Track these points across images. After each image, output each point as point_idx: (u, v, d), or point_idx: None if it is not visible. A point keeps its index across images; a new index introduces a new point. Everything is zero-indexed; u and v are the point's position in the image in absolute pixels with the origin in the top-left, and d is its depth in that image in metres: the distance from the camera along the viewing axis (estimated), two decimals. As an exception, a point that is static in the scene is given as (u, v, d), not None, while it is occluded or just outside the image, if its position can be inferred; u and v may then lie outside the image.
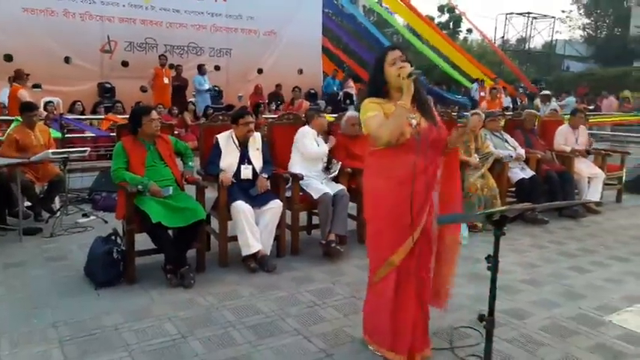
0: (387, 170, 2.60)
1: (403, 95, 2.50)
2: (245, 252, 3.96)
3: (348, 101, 12.79)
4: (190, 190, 4.10)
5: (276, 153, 4.60)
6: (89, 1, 10.57)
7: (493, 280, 2.20)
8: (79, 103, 9.36)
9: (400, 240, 2.58)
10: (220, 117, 4.58)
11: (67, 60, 10.40)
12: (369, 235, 2.77)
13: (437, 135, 2.62)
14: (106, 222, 5.16)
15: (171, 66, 10.91)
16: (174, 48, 11.67)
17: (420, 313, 2.67)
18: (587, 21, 33.30)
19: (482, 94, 13.60)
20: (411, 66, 2.55)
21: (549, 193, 5.71)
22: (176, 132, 6.86)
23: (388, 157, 2.59)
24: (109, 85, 10.71)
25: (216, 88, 11.81)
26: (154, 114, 3.93)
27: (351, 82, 13.92)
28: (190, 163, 4.19)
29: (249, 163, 4.23)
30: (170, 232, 3.78)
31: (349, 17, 17.73)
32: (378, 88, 2.67)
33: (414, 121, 2.57)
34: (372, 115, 2.57)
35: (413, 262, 2.61)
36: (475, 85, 14.68)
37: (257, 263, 3.98)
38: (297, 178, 4.30)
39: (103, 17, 10.76)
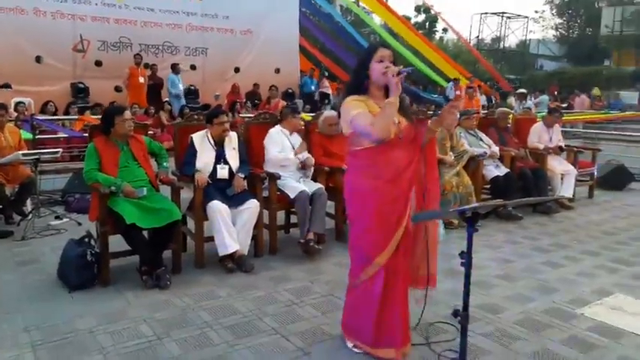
0: (373, 170, 2.60)
1: (391, 93, 2.50)
2: (222, 252, 3.93)
3: (326, 101, 12.81)
4: (165, 190, 4.06)
5: (253, 152, 4.57)
6: (60, 0, 10.36)
7: (467, 276, 2.23)
8: (51, 103, 9.19)
9: (387, 239, 2.60)
10: (196, 117, 4.54)
11: (38, 59, 10.20)
12: (354, 236, 2.73)
13: (415, 133, 2.64)
14: (79, 224, 5.08)
15: (147, 65, 10.79)
16: (149, 47, 11.55)
17: (405, 308, 2.71)
18: (559, 21, 34.00)
19: (457, 92, 13.75)
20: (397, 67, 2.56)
21: (523, 189, 5.80)
22: (151, 132, 6.80)
23: (373, 157, 2.60)
24: (82, 85, 10.53)
25: (192, 87, 11.71)
26: (127, 114, 3.87)
27: (326, 82, 13.94)
28: (165, 164, 4.13)
29: (226, 162, 4.19)
30: (145, 233, 3.73)
31: (326, 16, 17.76)
32: (360, 83, 2.65)
33: (396, 119, 2.59)
34: (360, 112, 2.54)
35: (399, 260, 2.64)
36: (450, 84, 14.85)
37: (234, 263, 3.96)
38: (274, 177, 4.29)
39: (75, 16, 10.58)
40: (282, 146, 4.52)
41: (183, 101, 10.88)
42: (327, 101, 12.56)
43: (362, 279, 2.69)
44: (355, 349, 2.78)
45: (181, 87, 11.05)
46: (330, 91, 13.25)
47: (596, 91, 16.79)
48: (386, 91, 2.62)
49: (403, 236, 2.63)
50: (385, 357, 2.67)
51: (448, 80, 15.92)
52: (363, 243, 2.68)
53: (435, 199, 2.79)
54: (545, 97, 15.84)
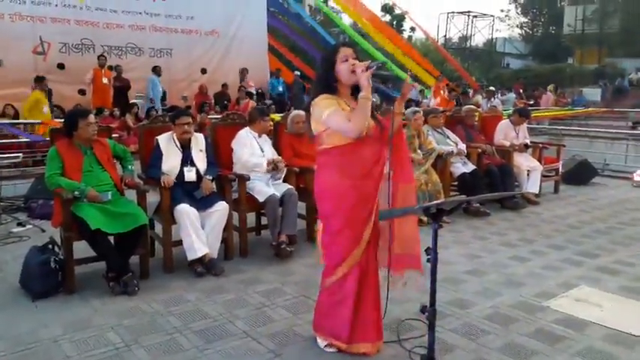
0: (344, 168, 2.62)
1: (363, 88, 2.50)
2: (191, 256, 3.88)
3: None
4: (131, 194, 3.98)
5: (221, 154, 4.52)
6: (19, 2, 10.11)
7: (433, 272, 2.25)
8: (9, 106, 8.91)
9: (359, 236, 2.63)
10: (161, 118, 4.47)
11: (-3, 62, 9.91)
12: (327, 234, 2.72)
13: (381, 129, 2.67)
14: (43, 231, 4.94)
15: (111, 67, 10.59)
16: (112, 49, 11.34)
17: (378, 304, 2.74)
18: (524, 20, 34.74)
19: (442, 92, 13.89)
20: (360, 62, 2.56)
21: (490, 186, 5.89)
22: (117, 135, 6.67)
23: (344, 154, 2.61)
24: (45, 88, 10.25)
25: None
26: (92, 118, 3.76)
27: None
28: (130, 167, 4.05)
29: (193, 164, 4.14)
30: (111, 238, 3.65)
31: (295, 16, 17.74)
32: (329, 84, 2.65)
33: None
34: (334, 110, 2.54)
35: (370, 256, 2.68)
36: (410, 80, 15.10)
37: (204, 267, 3.90)
38: (243, 179, 4.25)
39: (35, 18, 10.33)
40: (251, 149, 4.47)
41: (158, 104, 10.77)
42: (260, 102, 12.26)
43: (336, 277, 2.69)
44: (327, 349, 2.78)
45: (160, 89, 11.05)
46: (254, 91, 12.93)
47: (551, 87, 17.29)
48: (353, 90, 2.64)
49: (372, 232, 2.67)
50: (360, 352, 2.71)
51: (417, 80, 16.10)
52: (336, 242, 2.68)
53: (411, 197, 2.78)
54: (511, 95, 16.15)
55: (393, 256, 2.72)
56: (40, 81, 9.11)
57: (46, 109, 8.65)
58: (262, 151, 4.52)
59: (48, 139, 5.01)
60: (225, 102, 11.78)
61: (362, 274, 2.67)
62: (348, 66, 2.55)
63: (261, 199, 4.28)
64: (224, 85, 12.44)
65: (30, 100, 8.63)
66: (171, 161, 4.07)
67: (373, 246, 2.72)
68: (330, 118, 2.54)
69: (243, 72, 12.10)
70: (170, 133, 4.16)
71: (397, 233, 2.73)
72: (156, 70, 11.14)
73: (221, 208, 4.03)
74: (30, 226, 5.14)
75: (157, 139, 4.11)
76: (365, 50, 16.62)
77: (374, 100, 2.77)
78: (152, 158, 4.09)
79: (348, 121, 2.50)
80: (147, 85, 11.05)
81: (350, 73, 2.55)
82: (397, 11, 26.60)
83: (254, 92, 12.06)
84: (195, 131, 4.37)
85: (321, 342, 2.82)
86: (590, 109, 15.59)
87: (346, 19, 20.67)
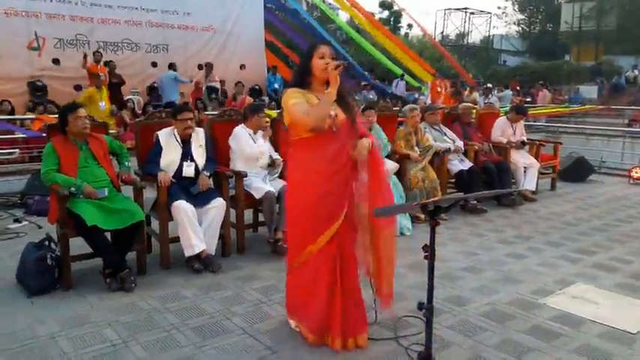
0: (307, 162, 2.72)
1: (330, 85, 2.61)
2: (188, 253, 3.87)
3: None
4: (128, 190, 3.96)
5: (218, 150, 4.50)
6: (13, -3, 10.06)
7: (430, 269, 2.25)
8: (7, 102, 8.87)
9: (317, 232, 2.70)
10: (157, 114, 4.45)
11: (-8, 58, 9.85)
12: (288, 224, 2.92)
13: (353, 128, 2.76)
14: (40, 227, 4.92)
15: (106, 63, 10.55)
16: (107, 44, 11.28)
17: (346, 298, 2.75)
18: (521, 17, 34.73)
19: (439, 89, 13.91)
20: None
21: (487, 183, 5.90)
22: (113, 131, 6.64)
23: (308, 149, 2.72)
24: (40, 84, 10.22)
25: (155, 85, 11.51)
26: (81, 111, 3.72)
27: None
28: (126, 163, 4.03)
29: (192, 160, 4.13)
30: (108, 235, 3.64)
31: (292, 12, 17.68)
32: (303, 78, 2.78)
33: (332, 112, 2.69)
34: (296, 102, 2.67)
35: (333, 250, 2.71)
36: (396, 81, 15.35)
37: (201, 263, 3.90)
38: (241, 175, 4.24)
39: (29, 13, 10.26)
40: (248, 145, 4.46)
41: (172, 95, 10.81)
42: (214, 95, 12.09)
43: (295, 265, 2.83)
44: (297, 329, 2.91)
45: (183, 79, 11.16)
46: (219, 86, 12.74)
47: (539, 84, 17.54)
48: (328, 86, 2.71)
49: (342, 226, 2.71)
50: (331, 346, 2.75)
51: (414, 77, 16.11)
52: (295, 231, 2.83)
53: (383, 198, 2.80)
54: (508, 92, 16.16)
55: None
56: (94, 77, 9.17)
57: (102, 104, 8.74)
58: (259, 147, 4.50)
59: (44, 135, 5.00)
60: (222, 98, 11.72)
61: (318, 268, 2.72)
62: (323, 63, 2.68)
63: (257, 195, 4.27)
64: (221, 81, 12.39)
65: (84, 97, 8.74)
66: (170, 156, 4.06)
67: (343, 242, 2.74)
68: (291, 109, 2.67)
69: (208, 66, 11.90)
70: (171, 128, 4.14)
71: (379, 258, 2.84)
72: (173, 67, 11.15)
73: (218, 204, 4.02)
74: (26, 223, 5.13)
75: (156, 135, 4.10)
76: (361, 46, 16.63)
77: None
78: (151, 154, 4.07)
79: (307, 113, 2.61)
80: (167, 81, 10.98)
81: (322, 70, 2.68)
82: (395, 8, 26.52)
83: (218, 87, 11.94)
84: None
85: (291, 322, 2.96)
86: (586, 106, 15.61)
87: (343, 16, 20.63)
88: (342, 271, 2.74)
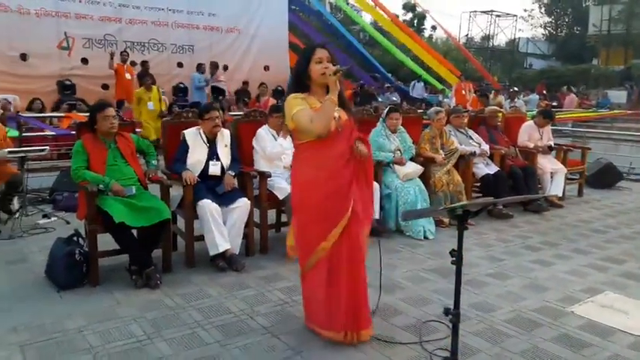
0: (315, 162, 2.77)
1: (330, 91, 2.67)
2: (213, 251, 3.90)
3: (221, 97, 12.57)
4: (154, 188, 4.01)
5: (243, 150, 4.53)
6: (44, -3, 10.30)
7: (458, 274, 2.22)
8: (38, 100, 9.07)
9: (327, 229, 2.74)
10: (184, 114, 4.50)
11: (23, 57, 10.08)
12: (296, 226, 2.91)
13: (354, 127, 2.82)
14: (67, 223, 5.01)
15: (133, 63, 10.71)
16: (134, 44, 11.46)
17: (354, 293, 2.79)
18: (548, 19, 34.20)
19: (463, 92, 13.81)
20: (335, 65, 2.71)
21: (513, 188, 5.82)
22: (139, 130, 6.73)
23: (315, 150, 2.76)
24: (69, 83, 10.42)
25: (181, 85, 11.64)
26: (109, 111, 3.78)
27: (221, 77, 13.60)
28: (153, 162, 4.09)
29: (218, 159, 4.16)
30: (134, 232, 3.69)
31: (315, 14, 17.72)
32: (302, 83, 2.81)
33: (336, 114, 2.74)
34: (300, 109, 2.70)
35: (344, 247, 2.74)
36: (413, 83, 15.31)
37: (225, 262, 3.93)
38: (265, 175, 4.26)
39: (59, 13, 10.49)
40: (271, 143, 4.49)
41: (205, 98, 10.98)
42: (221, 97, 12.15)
43: (309, 266, 2.84)
44: (318, 334, 2.91)
45: (204, 84, 11.32)
46: (225, 86, 12.83)
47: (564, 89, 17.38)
48: (327, 89, 2.75)
49: (349, 224, 2.74)
50: (332, 338, 2.81)
51: (439, 79, 16.00)
52: (305, 233, 2.85)
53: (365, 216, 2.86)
54: (534, 96, 15.94)
55: None
56: (141, 78, 9.24)
57: (151, 105, 8.70)
58: (281, 147, 4.53)
59: (73, 132, 5.10)
60: (245, 99, 11.80)
61: (331, 265, 2.76)
62: (321, 67, 2.71)
63: (281, 196, 4.29)
64: (245, 82, 12.47)
65: (135, 99, 8.88)
66: (197, 155, 4.10)
67: (350, 240, 2.76)
68: (296, 117, 2.71)
69: (212, 65, 11.92)
70: (197, 127, 4.18)
71: None
72: (200, 68, 11.40)
73: (242, 204, 4.05)
74: (55, 218, 5.23)
75: (183, 134, 4.15)
76: (385, 48, 16.57)
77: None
78: (178, 152, 4.12)
79: (311, 121, 2.66)
80: (194, 84, 11.30)
81: (320, 75, 2.71)
82: (418, 9, 26.38)
83: (224, 87, 11.99)
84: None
85: (310, 328, 2.97)
86: (615, 111, 15.31)
87: (367, 17, 20.62)
88: (351, 266, 2.78)
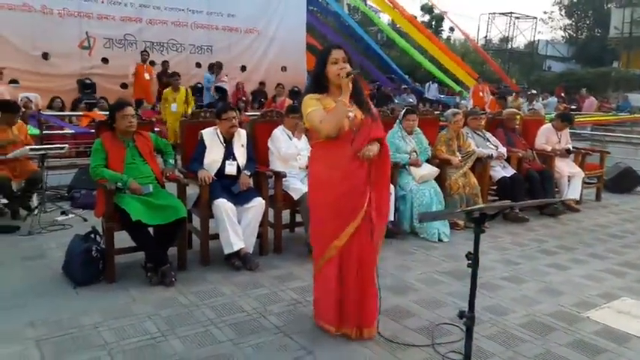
0: (330, 161, 2.83)
1: (343, 92, 2.71)
2: (227, 250, 3.93)
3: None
4: (171, 187, 4.06)
5: (258, 151, 4.55)
6: (67, -2, 10.47)
7: (473, 277, 2.21)
8: (59, 99, 9.23)
9: (341, 227, 2.79)
10: (202, 114, 4.54)
11: (45, 56, 10.26)
12: (312, 223, 3.00)
13: (372, 126, 2.84)
14: (85, 220, 5.08)
15: (152, 63, 10.83)
16: (154, 45, 11.61)
17: (364, 291, 2.86)
18: (568, 22, 33.78)
19: (481, 94, 13.70)
20: (351, 66, 2.77)
21: (530, 191, 5.76)
22: (157, 129, 6.78)
23: (330, 149, 2.81)
24: (89, 82, 10.60)
25: (199, 85, 11.74)
26: (128, 110, 3.83)
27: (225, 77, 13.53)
28: (171, 161, 4.13)
29: (234, 159, 4.19)
30: (150, 229, 3.73)
31: (333, 15, 17.73)
32: (319, 83, 2.87)
33: (351, 114, 2.78)
34: (313, 110, 2.78)
35: (355, 246, 2.82)
36: (429, 84, 15.34)
37: (240, 261, 3.95)
38: (280, 176, 4.27)
39: (81, 13, 10.69)
40: (286, 144, 4.51)
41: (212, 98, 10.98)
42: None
43: (322, 262, 2.89)
44: (327, 331, 2.95)
45: (213, 85, 11.29)
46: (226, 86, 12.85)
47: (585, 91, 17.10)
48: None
49: (361, 224, 2.80)
50: (346, 334, 2.89)
51: (456, 81, 15.90)
52: (320, 230, 2.92)
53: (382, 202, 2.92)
54: (553, 99, 15.76)
55: None
56: (160, 78, 9.26)
57: (174, 106, 8.40)
58: (296, 148, 4.55)
59: (92, 131, 5.17)
60: (262, 99, 11.86)
61: (342, 262, 2.83)
62: (336, 68, 2.76)
63: (295, 196, 4.31)
64: (261, 83, 12.54)
65: (163, 98, 8.80)
66: (213, 155, 4.14)
67: (362, 239, 2.82)
68: (309, 117, 2.80)
69: (217, 65, 11.90)
70: (214, 127, 4.22)
71: None
72: (212, 69, 11.45)
73: (257, 203, 4.07)
74: (72, 215, 5.30)
75: (201, 133, 4.19)
76: (402, 49, 16.51)
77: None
78: (196, 152, 4.16)
79: (320, 122, 2.74)
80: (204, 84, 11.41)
81: (336, 76, 2.77)
82: (436, 11, 26.25)
83: (226, 87, 12.05)
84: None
85: (319, 325, 3.01)
86: (635, 115, 15.06)
87: (384, 18, 20.56)
88: (361, 264, 2.84)
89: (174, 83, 8.68)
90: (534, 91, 14.20)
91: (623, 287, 3.82)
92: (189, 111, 8.20)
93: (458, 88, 16.06)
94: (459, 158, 5.35)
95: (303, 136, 4.60)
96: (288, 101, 10.83)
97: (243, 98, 11.35)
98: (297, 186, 4.35)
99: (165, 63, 10.96)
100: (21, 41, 9.94)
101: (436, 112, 6.55)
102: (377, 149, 2.81)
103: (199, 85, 11.75)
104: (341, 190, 2.79)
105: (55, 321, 3.05)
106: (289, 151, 4.48)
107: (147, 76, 10.41)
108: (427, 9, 27.32)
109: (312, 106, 2.79)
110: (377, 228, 2.87)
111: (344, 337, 2.89)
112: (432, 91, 15.65)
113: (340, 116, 2.72)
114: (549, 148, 6.29)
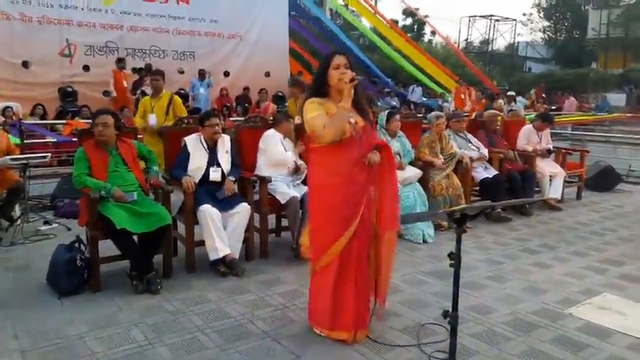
0: (330, 166, 2.85)
1: (344, 98, 2.74)
2: (213, 256, 3.92)
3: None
4: (155, 194, 4.04)
5: (243, 156, 4.56)
6: (46, 5, 10.35)
7: (456, 277, 2.25)
8: (40, 106, 9.13)
9: (340, 231, 2.81)
10: (185, 120, 4.53)
11: (25, 64, 10.15)
12: (312, 227, 2.99)
13: (371, 132, 2.91)
14: (69, 229, 5.04)
15: (134, 69, 10.76)
16: (135, 51, 11.53)
17: (359, 294, 2.90)
18: (547, 24, 34.23)
19: (462, 96, 13.85)
20: (353, 71, 2.79)
21: (511, 191, 5.83)
22: (140, 136, 6.73)
23: (330, 154, 2.83)
24: (70, 90, 10.48)
25: (182, 91, 11.68)
26: (101, 118, 3.76)
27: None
28: (154, 168, 4.12)
29: (218, 165, 4.19)
30: (135, 237, 3.71)
31: (315, 20, 17.77)
32: (320, 88, 2.89)
33: (352, 120, 2.80)
34: (315, 115, 2.79)
35: (353, 250, 2.85)
36: (412, 87, 15.68)
37: (226, 267, 3.95)
38: (265, 181, 4.29)
39: (61, 21, 10.58)
40: (277, 147, 4.53)
41: (202, 104, 10.91)
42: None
43: (319, 265, 2.92)
44: (322, 334, 2.97)
45: (202, 91, 11.27)
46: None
47: (532, 92, 17.47)
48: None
49: (358, 228, 2.83)
50: (339, 339, 2.89)
51: (438, 84, 16.02)
52: (319, 234, 2.92)
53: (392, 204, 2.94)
54: (522, 100, 15.82)
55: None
56: (151, 75, 6.60)
57: (152, 118, 6.02)
58: (284, 155, 4.56)
59: (74, 139, 5.13)
60: (246, 105, 11.84)
61: (341, 266, 2.84)
62: (338, 74, 2.79)
63: (282, 200, 4.32)
64: (246, 88, 12.52)
65: (140, 110, 6.40)
66: (197, 162, 4.13)
67: (359, 243, 2.86)
68: (311, 122, 2.81)
69: (200, 74, 11.98)
70: (197, 134, 4.22)
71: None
72: (201, 75, 11.47)
73: (243, 209, 4.07)
74: (56, 225, 5.25)
75: (184, 140, 4.18)
76: (384, 52, 16.62)
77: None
78: (179, 159, 4.15)
79: (324, 127, 2.75)
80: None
81: (337, 81, 2.79)
82: (416, 17, 26.48)
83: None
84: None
85: (315, 329, 3.03)
86: (614, 114, 15.33)
87: (366, 22, 20.65)
88: (358, 268, 2.87)
89: (155, 84, 6.37)
90: (513, 93, 14.37)
91: (604, 284, 3.89)
92: (169, 122, 5.76)
93: (440, 91, 16.18)
94: (442, 160, 5.41)
95: (293, 146, 4.63)
96: (272, 106, 10.84)
97: (227, 104, 11.32)
98: (284, 190, 4.36)
99: (147, 66, 10.88)
100: (0, 49, 9.82)
101: (419, 115, 6.61)
102: (379, 157, 2.87)
103: (182, 92, 11.68)
104: (341, 196, 2.81)
105: (40, 332, 3.02)
106: (278, 157, 4.48)
107: (125, 83, 10.33)
108: (409, 13, 27.54)
109: (315, 110, 2.80)
110: (384, 233, 2.92)
111: (339, 342, 2.89)
112: (416, 94, 15.75)
113: (342, 121, 2.74)
114: (530, 149, 6.38)
